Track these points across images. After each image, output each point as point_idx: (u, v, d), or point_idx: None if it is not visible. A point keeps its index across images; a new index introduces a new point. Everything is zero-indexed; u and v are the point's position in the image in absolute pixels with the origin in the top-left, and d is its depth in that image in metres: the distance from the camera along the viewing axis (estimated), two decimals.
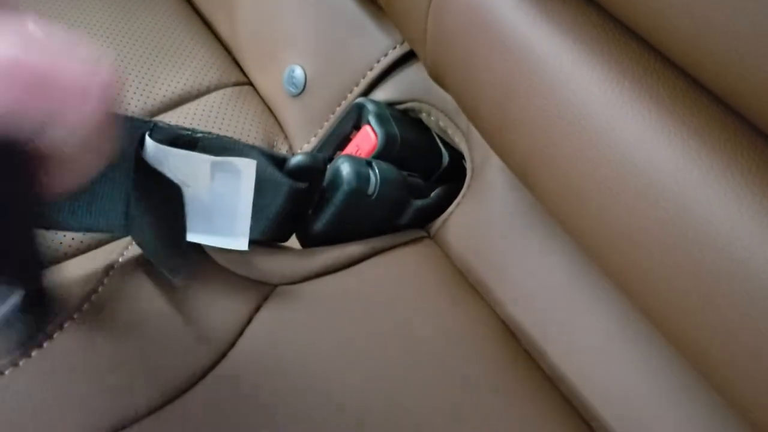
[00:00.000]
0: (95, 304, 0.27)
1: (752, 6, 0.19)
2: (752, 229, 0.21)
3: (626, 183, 0.24)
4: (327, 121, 0.43)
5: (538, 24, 0.26)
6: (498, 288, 0.35)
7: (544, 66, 0.26)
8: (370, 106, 0.39)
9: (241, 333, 0.28)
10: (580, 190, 0.26)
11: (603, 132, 0.24)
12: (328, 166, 0.32)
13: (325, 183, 0.32)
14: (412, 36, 0.35)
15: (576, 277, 0.33)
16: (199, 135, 0.26)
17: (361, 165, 0.33)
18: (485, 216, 0.37)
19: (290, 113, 0.46)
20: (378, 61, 0.41)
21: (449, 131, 0.40)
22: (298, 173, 0.29)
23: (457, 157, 0.41)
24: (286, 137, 0.46)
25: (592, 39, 0.25)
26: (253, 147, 0.28)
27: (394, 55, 0.41)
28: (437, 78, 0.34)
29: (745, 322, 0.22)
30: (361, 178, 0.32)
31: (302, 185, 0.29)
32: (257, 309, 0.29)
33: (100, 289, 0.28)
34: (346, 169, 0.32)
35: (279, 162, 0.29)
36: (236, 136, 0.46)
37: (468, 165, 0.39)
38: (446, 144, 0.41)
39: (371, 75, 0.41)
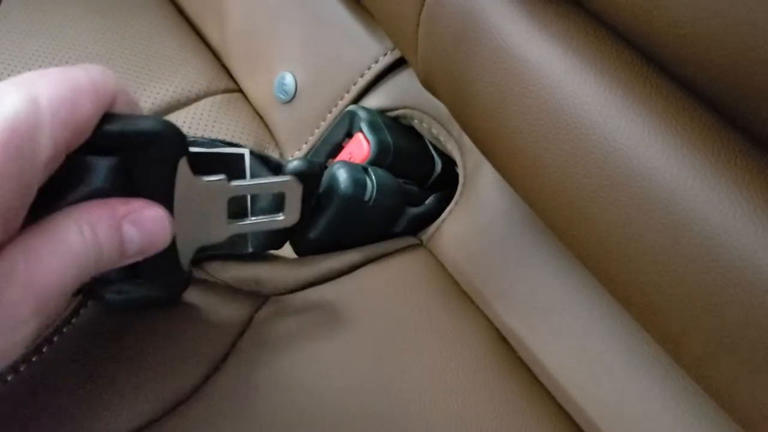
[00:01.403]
0: (85, 318, 0.27)
1: (746, 15, 0.19)
2: (748, 237, 0.21)
3: (620, 191, 0.24)
4: (318, 128, 0.43)
5: (531, 32, 0.26)
6: (491, 295, 0.35)
7: (536, 75, 0.26)
8: (363, 114, 0.38)
9: (233, 346, 0.27)
10: (572, 198, 0.26)
11: (596, 140, 0.24)
12: (324, 172, 0.32)
13: (321, 189, 0.32)
14: (403, 44, 0.35)
15: (570, 283, 0.33)
16: (191, 139, 0.25)
17: (358, 171, 0.33)
18: (478, 223, 0.37)
19: (281, 120, 0.45)
20: (369, 68, 0.41)
21: (441, 138, 0.40)
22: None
23: (449, 164, 0.40)
24: (276, 144, 0.46)
25: (585, 47, 0.25)
26: (246, 148, 0.27)
27: (385, 61, 0.40)
28: (429, 86, 0.34)
29: (742, 330, 0.22)
30: (358, 185, 0.32)
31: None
32: (249, 321, 0.28)
33: (89, 302, 0.28)
34: (342, 175, 0.31)
35: (273, 167, 0.28)
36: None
37: (460, 172, 0.39)
38: (439, 151, 0.41)
39: (362, 82, 0.41)
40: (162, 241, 0.22)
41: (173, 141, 0.22)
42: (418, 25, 0.31)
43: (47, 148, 0.18)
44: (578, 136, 0.25)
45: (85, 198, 0.21)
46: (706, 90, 0.22)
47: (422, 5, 0.30)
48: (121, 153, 0.21)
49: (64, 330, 0.26)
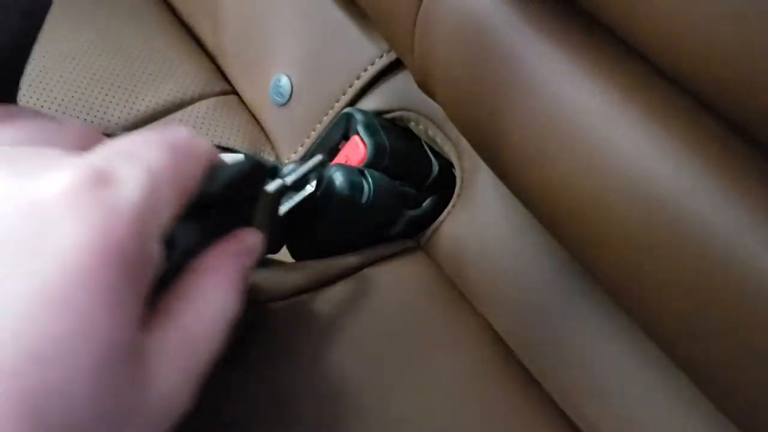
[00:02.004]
0: None
1: (744, 19, 0.18)
2: (747, 238, 0.21)
3: (619, 193, 0.24)
4: (314, 130, 0.43)
5: (528, 34, 0.26)
6: (490, 298, 0.35)
7: (534, 77, 0.26)
8: (359, 116, 0.38)
9: (231, 353, 0.27)
10: (571, 200, 0.26)
11: (594, 142, 0.24)
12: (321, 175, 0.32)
13: (317, 192, 0.31)
14: (399, 46, 0.34)
15: (569, 284, 0.33)
16: None
17: (354, 174, 0.33)
18: (475, 225, 0.37)
19: (277, 123, 0.45)
20: (365, 70, 0.41)
21: (438, 140, 0.40)
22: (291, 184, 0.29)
23: (446, 165, 0.40)
24: (272, 147, 0.46)
25: (584, 49, 0.25)
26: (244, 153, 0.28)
27: (381, 63, 0.40)
28: (425, 88, 0.34)
29: (741, 330, 0.22)
30: (355, 187, 0.32)
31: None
32: (246, 327, 0.28)
33: None
34: (339, 178, 0.31)
35: (270, 170, 0.28)
36: (223, 144, 0.46)
37: (457, 174, 0.39)
38: (436, 153, 0.41)
39: (358, 84, 0.41)
40: (258, 257, 0.23)
41: (261, 172, 0.23)
42: (414, 28, 0.31)
43: (167, 219, 0.17)
44: (575, 138, 0.25)
45: (189, 253, 0.20)
46: (704, 91, 0.22)
47: (419, 7, 0.30)
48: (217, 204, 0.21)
49: None
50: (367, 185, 0.33)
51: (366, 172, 0.34)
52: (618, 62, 0.24)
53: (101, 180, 0.16)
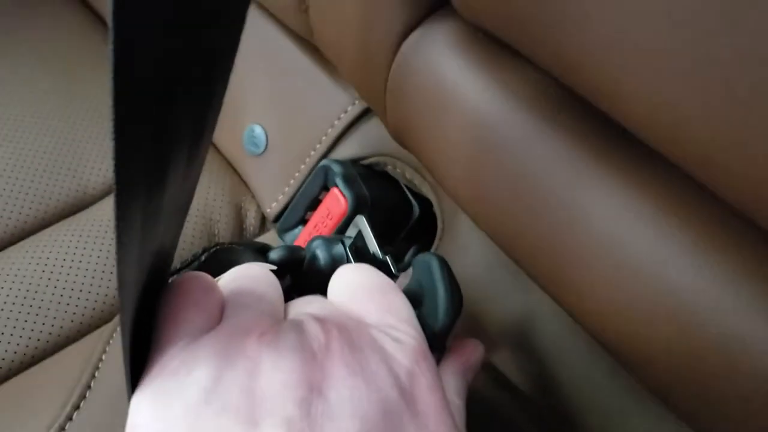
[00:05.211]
0: (96, 391, 0.27)
1: (714, 94, 0.19)
2: (726, 301, 0.22)
3: (598, 256, 0.24)
4: (293, 179, 0.43)
5: (498, 98, 0.26)
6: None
7: (507, 142, 0.26)
8: (336, 168, 0.39)
9: None
10: (553, 259, 0.26)
11: (570, 207, 0.25)
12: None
13: (303, 267, 0.32)
14: (372, 103, 0.35)
15: (552, 326, 0.34)
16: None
17: (335, 245, 0.33)
18: (458, 266, 0.37)
19: (254, 173, 0.45)
20: (339, 119, 0.41)
21: (416, 182, 0.40)
22: (278, 266, 0.29)
23: (427, 206, 0.41)
24: (253, 196, 0.46)
25: (553, 113, 0.25)
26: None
27: (353, 111, 0.41)
28: (400, 141, 0.34)
29: (725, 387, 0.22)
30: (336, 261, 0.32)
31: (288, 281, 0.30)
32: None
33: (96, 374, 0.28)
34: (321, 254, 0.32)
35: (261, 249, 0.29)
36: (203, 196, 0.45)
37: (438, 216, 0.39)
38: (415, 194, 0.41)
39: (333, 132, 0.41)
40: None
41: None
42: (385, 93, 0.31)
43: None
44: (552, 202, 0.25)
45: None
46: (678, 159, 0.22)
47: (387, 74, 0.31)
48: None
49: (81, 405, 0.27)
50: (349, 256, 0.33)
51: (344, 240, 0.34)
52: (591, 125, 0.25)
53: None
